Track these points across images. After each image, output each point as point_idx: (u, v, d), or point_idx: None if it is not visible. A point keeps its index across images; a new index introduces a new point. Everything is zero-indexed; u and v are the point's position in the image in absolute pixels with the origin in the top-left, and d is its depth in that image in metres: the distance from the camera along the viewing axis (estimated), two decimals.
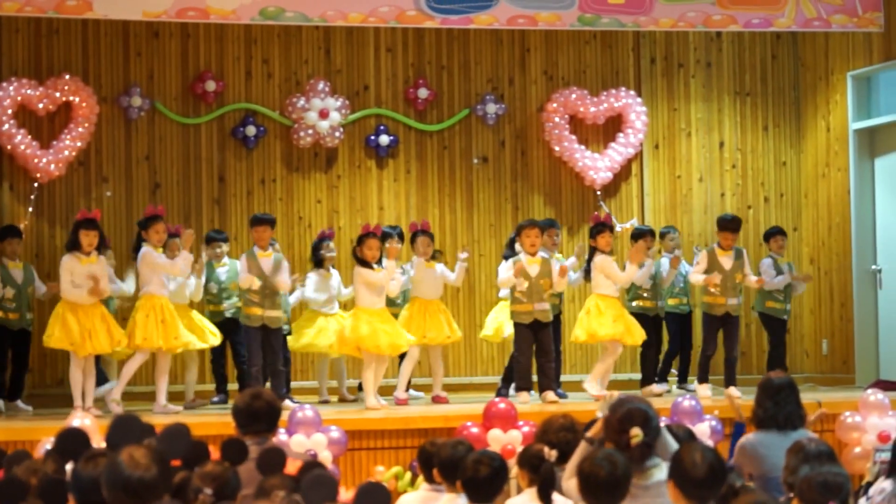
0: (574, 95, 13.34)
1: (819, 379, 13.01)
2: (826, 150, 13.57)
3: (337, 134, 12.89)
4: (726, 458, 6.54)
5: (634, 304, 12.06)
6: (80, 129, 12.21)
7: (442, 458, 5.99)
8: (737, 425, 8.04)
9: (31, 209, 12.21)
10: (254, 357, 10.70)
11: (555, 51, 13.54)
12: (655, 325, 12.06)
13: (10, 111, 11.94)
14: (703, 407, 9.48)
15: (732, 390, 10.09)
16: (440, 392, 11.53)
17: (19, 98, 12.02)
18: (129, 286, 11.22)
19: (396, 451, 9.33)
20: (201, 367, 11.90)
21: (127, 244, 12.04)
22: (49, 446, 5.66)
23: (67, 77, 12.23)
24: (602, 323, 11.14)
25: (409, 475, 8.87)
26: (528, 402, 10.72)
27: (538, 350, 11.05)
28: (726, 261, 11.49)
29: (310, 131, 12.79)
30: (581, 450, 5.53)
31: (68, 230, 11.22)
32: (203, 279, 11.35)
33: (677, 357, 12.63)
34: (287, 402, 10.14)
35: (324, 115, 12.76)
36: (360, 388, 11.58)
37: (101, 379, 11.06)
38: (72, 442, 4.81)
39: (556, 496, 5.49)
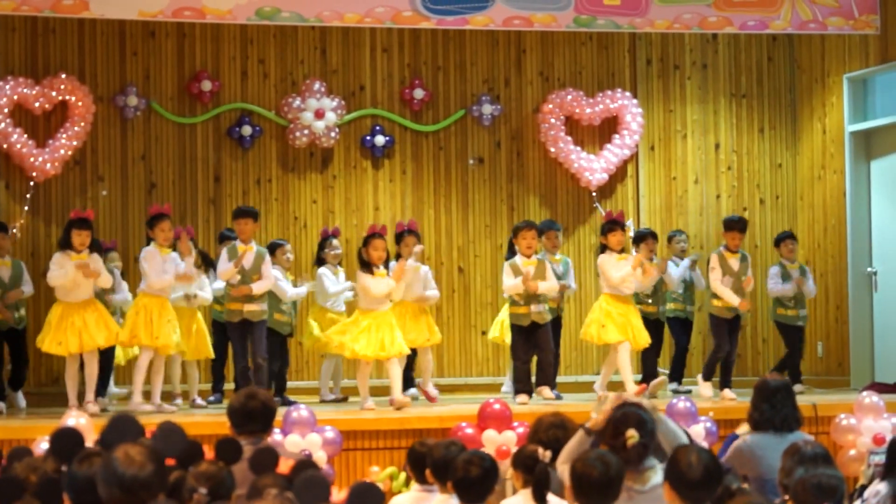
0: (570, 97, 13.33)
1: (814, 381, 13.01)
2: (822, 153, 13.57)
3: (333, 134, 12.88)
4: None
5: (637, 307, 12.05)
6: (76, 129, 12.20)
7: (435, 458, 5.98)
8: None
9: (26, 208, 12.20)
10: (239, 355, 10.67)
11: (551, 52, 13.54)
12: (657, 329, 12.04)
13: (6, 110, 11.93)
14: (697, 409, 9.47)
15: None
16: (430, 388, 11.38)
17: (15, 97, 12.01)
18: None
19: (391, 451, 9.33)
20: (202, 368, 11.89)
21: (122, 243, 12.03)
22: (47, 445, 5.65)
23: (64, 76, 12.22)
24: (609, 327, 11.11)
25: (403, 475, 8.86)
26: (527, 404, 10.70)
27: (537, 347, 11.00)
28: (734, 263, 11.46)
29: (305, 131, 12.78)
30: (577, 437, 5.53)
31: None
32: (212, 276, 11.31)
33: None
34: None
35: (319, 115, 12.75)
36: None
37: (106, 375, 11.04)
38: (66, 442, 4.79)
39: (550, 497, 5.49)
